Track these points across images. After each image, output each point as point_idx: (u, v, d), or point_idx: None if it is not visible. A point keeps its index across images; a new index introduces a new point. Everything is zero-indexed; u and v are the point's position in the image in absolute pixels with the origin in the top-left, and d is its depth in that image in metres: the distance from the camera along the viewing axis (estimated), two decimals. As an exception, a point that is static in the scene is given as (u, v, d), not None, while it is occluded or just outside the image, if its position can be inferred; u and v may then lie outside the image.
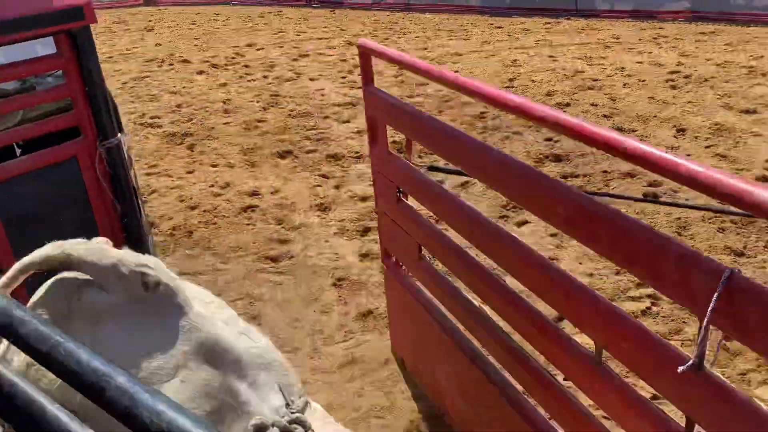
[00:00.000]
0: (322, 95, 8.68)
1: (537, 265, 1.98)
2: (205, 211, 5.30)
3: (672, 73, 8.50)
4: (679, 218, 4.60)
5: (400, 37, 12.52)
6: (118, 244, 2.27)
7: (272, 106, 8.26)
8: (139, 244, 2.34)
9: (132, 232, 2.33)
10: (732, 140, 6.02)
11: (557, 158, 5.97)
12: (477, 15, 14.62)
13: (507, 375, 2.37)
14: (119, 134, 2.25)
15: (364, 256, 4.47)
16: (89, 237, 2.18)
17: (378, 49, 2.68)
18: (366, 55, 2.79)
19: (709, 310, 1.30)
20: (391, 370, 3.34)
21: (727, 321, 1.32)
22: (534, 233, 4.67)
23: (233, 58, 11.32)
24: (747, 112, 6.81)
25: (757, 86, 7.71)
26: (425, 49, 11.26)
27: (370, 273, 4.24)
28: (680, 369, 1.41)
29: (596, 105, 7.36)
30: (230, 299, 4.04)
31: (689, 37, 10.76)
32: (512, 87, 8.44)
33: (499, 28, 12.74)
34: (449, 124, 2.39)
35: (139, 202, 2.42)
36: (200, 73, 10.29)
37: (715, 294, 1.29)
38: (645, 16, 12.74)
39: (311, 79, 9.59)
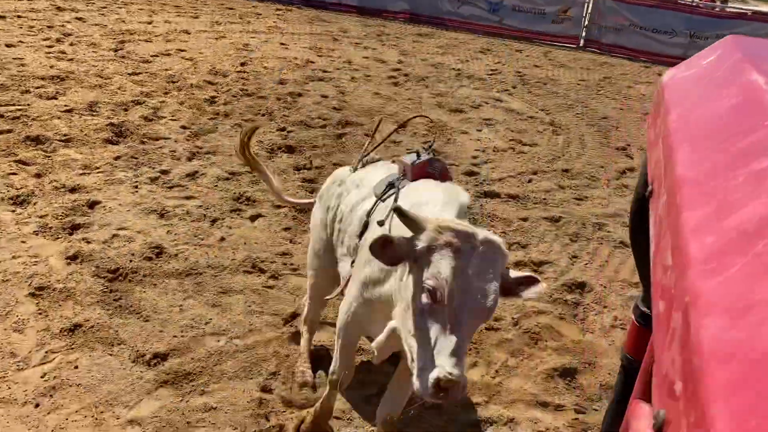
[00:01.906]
0: (22, 65, 7.43)
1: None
2: None
3: (394, 70, 9.09)
4: (401, 210, 4.89)
5: (120, 8, 11.35)
6: None
7: (-48, 74, 6.81)
8: None
9: None
10: (444, 137, 6.63)
11: (290, 149, 5.93)
12: (207, -7, 13.96)
13: None
14: None
15: (71, 258, 3.87)
16: None
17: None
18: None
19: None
20: (105, 392, 2.92)
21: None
22: (268, 228, 4.55)
23: None
24: (455, 111, 7.57)
25: (463, 88, 8.64)
26: (150, 23, 10.38)
27: (79, 278, 3.68)
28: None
29: (327, 96, 7.52)
30: None
31: (408, 38, 11.66)
32: (244, 72, 8.20)
33: (230, 9, 12.33)
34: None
35: None
36: None
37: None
38: (370, 13, 13.48)
39: (9, 46, 8.16)
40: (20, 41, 8.45)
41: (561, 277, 4.16)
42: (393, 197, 2.38)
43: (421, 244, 1.83)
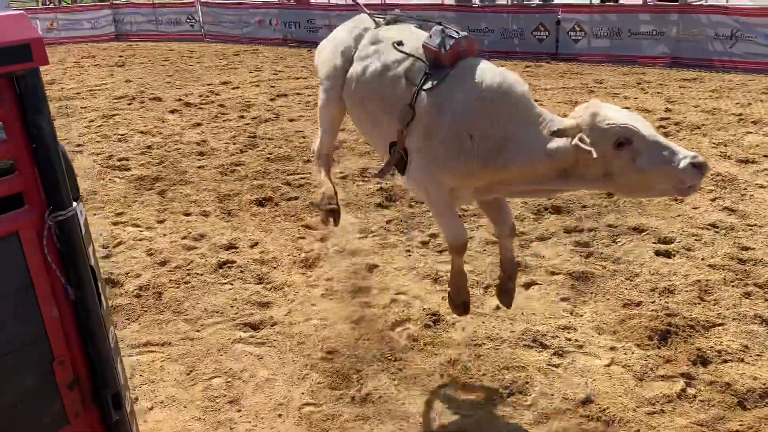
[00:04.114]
0: (303, 137, 8.26)
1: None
2: (176, 267, 4.76)
3: (662, 119, 8.31)
4: (698, 281, 4.23)
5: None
6: (71, 344, 1.78)
7: (250, 148, 7.81)
8: (97, 343, 1.84)
9: (90, 328, 1.83)
10: (738, 193, 5.75)
11: (557, 210, 5.60)
12: (456, 57, 14.48)
13: None
14: (74, 203, 1.76)
15: (355, 323, 3.98)
16: (32, 335, 1.70)
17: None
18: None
19: None
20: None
21: None
22: (544, 297, 4.25)
23: (207, 96, 10.88)
24: (746, 162, 6.58)
25: (750, 135, 7.54)
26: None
27: (366, 345, 3.75)
28: None
29: (590, 152, 7.07)
30: (206, 377, 3.51)
31: (673, 84, 10.69)
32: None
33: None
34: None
35: (100, 287, 1.91)
36: (173, 112, 9.80)
37: None
38: (626, 61, 12.73)
39: (291, 120, 9.19)
40: (300, 116, 9.47)
41: None
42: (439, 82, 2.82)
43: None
